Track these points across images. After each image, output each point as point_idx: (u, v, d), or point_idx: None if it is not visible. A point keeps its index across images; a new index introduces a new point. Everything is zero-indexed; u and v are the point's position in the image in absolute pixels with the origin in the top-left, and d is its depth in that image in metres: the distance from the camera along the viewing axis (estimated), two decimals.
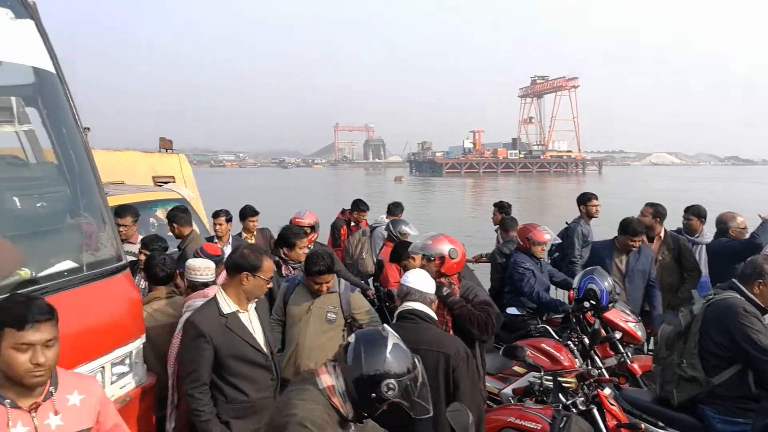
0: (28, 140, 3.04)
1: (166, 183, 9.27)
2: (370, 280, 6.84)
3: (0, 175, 2.82)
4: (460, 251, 3.72)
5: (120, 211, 5.10)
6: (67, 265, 2.94)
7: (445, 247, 3.66)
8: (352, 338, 2.19)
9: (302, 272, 4.06)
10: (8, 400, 2.05)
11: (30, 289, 2.68)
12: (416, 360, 2.18)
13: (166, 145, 10.11)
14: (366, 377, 2.09)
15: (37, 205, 2.90)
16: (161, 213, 6.76)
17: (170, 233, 5.67)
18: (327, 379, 2.17)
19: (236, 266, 3.16)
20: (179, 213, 5.62)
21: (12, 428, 2.03)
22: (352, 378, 2.11)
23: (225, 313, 3.14)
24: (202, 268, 3.79)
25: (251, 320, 3.26)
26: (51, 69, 3.07)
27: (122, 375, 3.20)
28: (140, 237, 5.28)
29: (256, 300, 3.31)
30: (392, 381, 2.08)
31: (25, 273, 2.73)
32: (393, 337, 2.17)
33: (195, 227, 6.17)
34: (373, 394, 2.09)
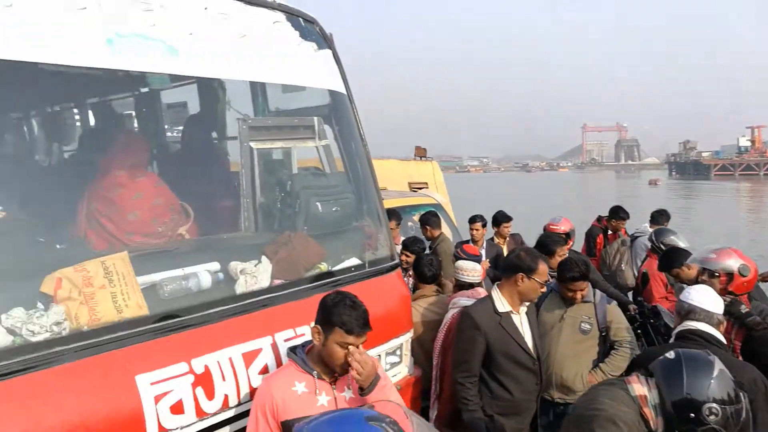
0: (324, 153, 3.55)
1: (420, 189, 9.90)
2: (630, 294, 6.38)
3: (306, 184, 3.36)
4: (752, 268, 3.27)
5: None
6: (354, 261, 3.37)
7: (733, 263, 3.25)
8: (671, 354, 2.10)
9: (555, 279, 4.00)
10: (315, 372, 2.45)
11: (327, 281, 3.14)
12: (742, 394, 2.01)
13: (420, 153, 10.81)
14: (687, 397, 1.98)
15: (333, 209, 3.38)
16: (418, 217, 7.27)
17: (423, 235, 6.13)
18: (639, 388, 2.12)
19: (512, 267, 3.28)
20: (431, 217, 6.15)
21: (318, 396, 2.43)
22: (671, 395, 2.02)
23: (499, 311, 3.29)
24: (470, 269, 3.98)
25: (522, 323, 3.36)
26: (343, 90, 3.55)
27: (394, 365, 3.52)
28: (402, 239, 5.76)
29: (527, 303, 3.40)
30: (715, 406, 1.94)
31: (324, 267, 3.21)
32: (719, 363, 2.03)
33: (446, 229, 6.60)
34: (692, 415, 1.97)
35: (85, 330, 2.25)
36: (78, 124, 4.64)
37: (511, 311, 3.33)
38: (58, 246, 2.73)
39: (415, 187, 9.90)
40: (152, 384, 2.30)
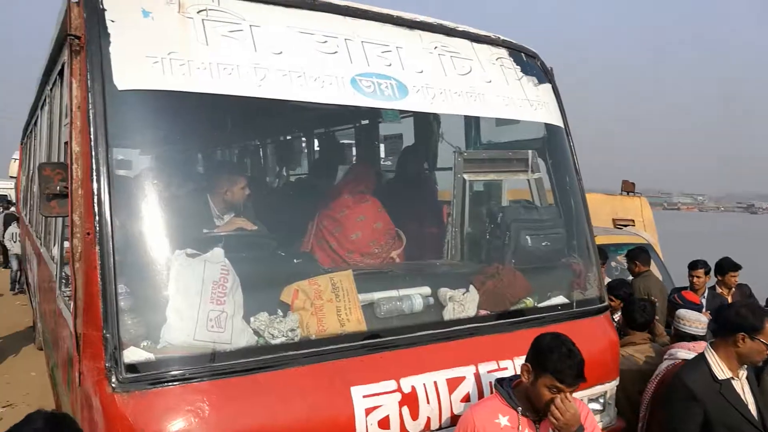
0: (536, 187, 3.54)
1: (626, 226, 9.27)
2: None
3: (517, 217, 3.37)
4: None
5: None
6: (561, 300, 3.27)
7: None
8: None
9: None
10: (520, 408, 2.43)
11: (532, 317, 3.09)
12: None
13: (628, 188, 10.14)
14: None
15: (542, 244, 3.34)
16: (623, 257, 6.86)
17: (629, 270, 5.96)
18: None
19: (732, 325, 2.90)
20: (641, 252, 5.95)
21: None
22: None
23: (719, 378, 2.91)
24: (693, 320, 3.63)
25: (744, 390, 2.94)
26: (560, 124, 3.51)
27: (597, 412, 3.31)
28: (607, 280, 5.45)
29: (746, 367, 2.98)
30: None
31: (530, 302, 3.17)
32: None
33: (655, 271, 6.27)
34: None
35: (313, 338, 2.51)
36: (318, 152, 5.24)
37: (731, 377, 2.92)
38: (295, 260, 3.09)
39: (620, 224, 9.33)
40: (364, 397, 2.46)
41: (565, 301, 3.28)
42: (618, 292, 4.77)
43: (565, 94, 3.56)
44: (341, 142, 5.01)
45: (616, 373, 3.43)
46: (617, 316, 4.45)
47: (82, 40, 2.30)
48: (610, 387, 3.37)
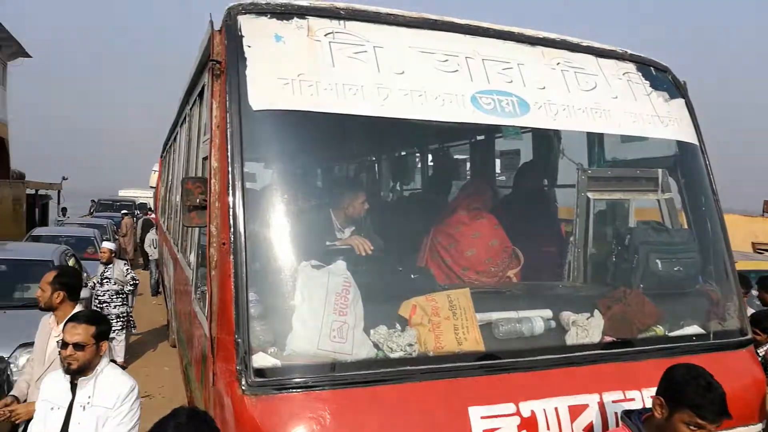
0: (666, 207, 3.31)
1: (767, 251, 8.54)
2: None
3: (645, 239, 3.17)
4: None
5: None
6: (695, 330, 3.02)
7: None
8: None
9: None
10: None
11: (663, 347, 2.88)
12: None
13: None
14: None
15: (674, 268, 3.10)
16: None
17: (761, 300, 5.46)
18: None
19: None
20: None
21: None
22: None
23: None
24: None
25: None
26: (694, 141, 3.27)
27: None
28: (750, 311, 4.99)
29: None
30: None
31: (660, 330, 2.95)
32: None
33: None
34: None
35: (430, 355, 2.50)
36: (433, 168, 5.29)
37: None
38: (411, 275, 3.11)
39: (760, 249, 8.59)
40: (482, 418, 2.40)
41: (701, 331, 3.03)
42: (764, 324, 4.32)
43: (698, 105, 3.31)
44: (456, 157, 5.00)
45: (762, 416, 3.10)
46: (762, 351, 4.03)
47: (223, 64, 2.49)
48: (756, 429, 3.05)
